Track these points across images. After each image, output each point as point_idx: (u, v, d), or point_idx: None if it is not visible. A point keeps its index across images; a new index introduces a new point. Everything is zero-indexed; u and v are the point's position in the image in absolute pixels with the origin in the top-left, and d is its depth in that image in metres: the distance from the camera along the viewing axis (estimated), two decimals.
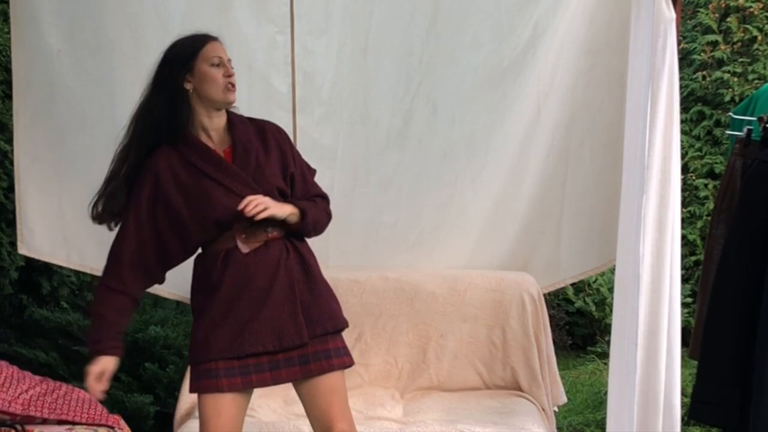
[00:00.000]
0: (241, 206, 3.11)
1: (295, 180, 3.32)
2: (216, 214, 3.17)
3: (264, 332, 3.15)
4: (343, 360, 3.25)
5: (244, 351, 3.14)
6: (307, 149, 3.97)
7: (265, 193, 3.17)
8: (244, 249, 3.18)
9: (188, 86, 3.23)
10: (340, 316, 3.31)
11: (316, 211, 3.29)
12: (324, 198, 3.39)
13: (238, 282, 3.17)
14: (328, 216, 3.38)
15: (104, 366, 3.19)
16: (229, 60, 3.28)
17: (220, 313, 3.17)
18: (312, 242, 3.35)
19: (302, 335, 3.17)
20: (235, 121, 3.31)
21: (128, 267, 3.23)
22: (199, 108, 3.25)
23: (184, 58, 3.24)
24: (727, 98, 7.03)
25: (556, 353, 4.56)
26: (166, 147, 3.23)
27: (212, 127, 3.26)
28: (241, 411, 3.23)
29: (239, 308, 3.16)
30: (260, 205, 3.12)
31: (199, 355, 3.19)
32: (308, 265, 3.27)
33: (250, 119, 3.36)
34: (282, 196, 3.24)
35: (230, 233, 3.19)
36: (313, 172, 3.43)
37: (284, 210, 3.19)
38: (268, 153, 3.28)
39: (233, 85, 3.24)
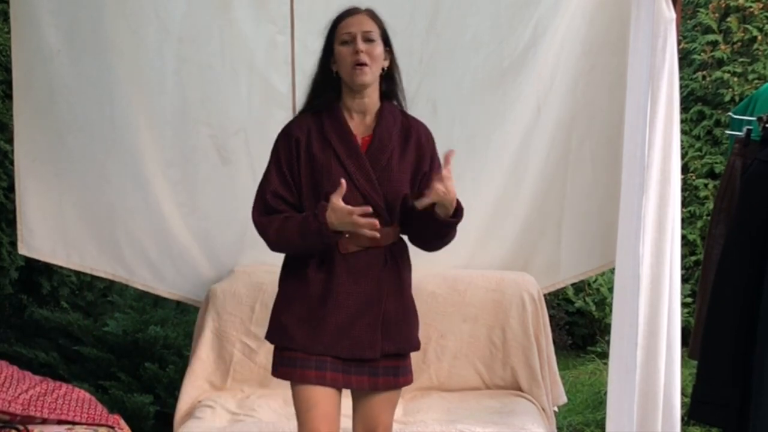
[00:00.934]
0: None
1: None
2: (331, 190, 3.03)
3: (339, 338, 3.09)
4: (407, 378, 3.22)
5: (317, 351, 3.09)
6: None
7: (385, 197, 3.08)
8: (344, 249, 3.09)
9: (334, 68, 3.12)
10: (416, 338, 3.25)
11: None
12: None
13: (329, 281, 3.09)
14: (454, 234, 3.19)
15: (333, 202, 2.98)
16: (368, 32, 3.09)
17: (308, 308, 3.10)
18: None
19: (374, 350, 3.11)
20: (384, 113, 3.16)
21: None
22: (344, 88, 3.13)
23: (327, 41, 3.14)
24: (727, 98, 7.02)
25: (556, 353, 4.55)
26: (309, 115, 3.14)
27: (355, 109, 3.14)
28: (337, 404, 3.15)
29: (324, 307, 3.09)
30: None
31: (279, 340, 3.15)
32: (402, 280, 3.18)
33: (404, 115, 3.20)
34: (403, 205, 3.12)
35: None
36: None
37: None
38: (403, 156, 3.14)
39: (360, 64, 3.05)
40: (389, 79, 3.18)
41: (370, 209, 3.00)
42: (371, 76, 3.09)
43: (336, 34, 3.11)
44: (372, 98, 3.14)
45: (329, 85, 3.13)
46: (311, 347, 3.10)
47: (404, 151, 3.14)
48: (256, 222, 3.14)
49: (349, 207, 2.98)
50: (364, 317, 3.10)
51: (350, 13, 3.14)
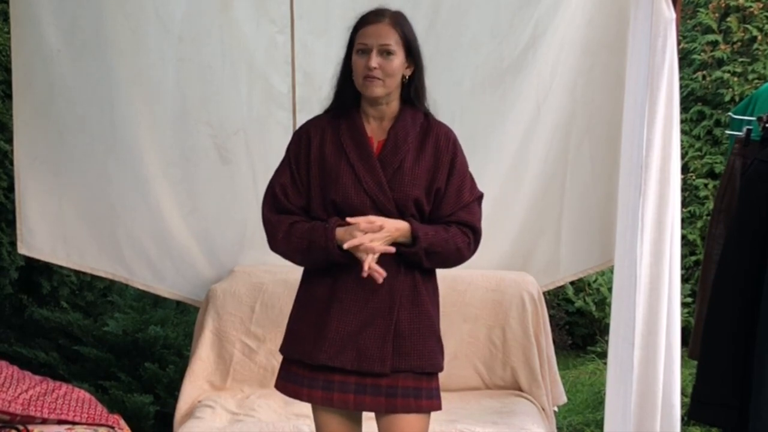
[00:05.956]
0: (353, 221, 2.92)
1: (446, 196, 3.02)
2: (337, 198, 2.98)
3: (344, 347, 2.95)
4: (432, 403, 3.05)
5: (319, 360, 2.96)
6: None
7: (396, 201, 2.97)
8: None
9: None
10: (435, 358, 3.07)
11: (437, 239, 2.98)
12: (468, 228, 3.05)
13: (336, 284, 2.99)
14: (458, 251, 3.04)
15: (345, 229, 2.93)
16: (385, 45, 2.95)
17: (313, 312, 3.01)
18: None
19: (384, 364, 2.95)
20: (404, 116, 3.05)
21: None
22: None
23: (349, 43, 3.03)
24: (727, 98, 7.03)
25: (556, 353, 4.55)
26: (327, 117, 3.08)
27: (372, 115, 3.05)
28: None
29: (330, 314, 2.97)
30: (377, 236, 2.91)
31: (286, 349, 3.09)
32: (419, 292, 3.04)
33: (428, 118, 3.08)
34: (418, 209, 3.01)
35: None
36: (476, 194, 3.10)
37: (396, 229, 2.95)
38: (419, 159, 3.00)
39: (372, 78, 2.95)
40: (410, 87, 3.06)
41: (393, 249, 2.93)
42: (383, 89, 2.98)
43: (355, 42, 3.00)
44: (391, 105, 3.05)
45: (350, 89, 3.05)
46: (314, 354, 2.97)
47: (420, 154, 3.02)
48: (265, 218, 3.06)
49: (367, 240, 2.89)
50: (372, 327, 2.97)
51: (371, 20, 3.00)
